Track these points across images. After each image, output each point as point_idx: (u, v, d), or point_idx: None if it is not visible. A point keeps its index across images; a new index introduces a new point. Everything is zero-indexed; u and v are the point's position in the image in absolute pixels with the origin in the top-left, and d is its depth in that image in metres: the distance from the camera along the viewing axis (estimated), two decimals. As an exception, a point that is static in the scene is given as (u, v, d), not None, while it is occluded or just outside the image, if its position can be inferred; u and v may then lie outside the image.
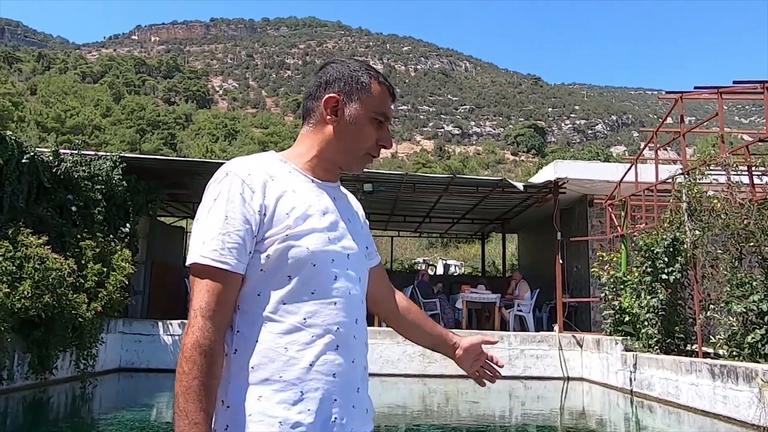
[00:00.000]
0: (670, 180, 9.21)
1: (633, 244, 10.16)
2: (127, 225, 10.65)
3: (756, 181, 8.17)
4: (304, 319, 1.19)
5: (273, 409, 1.14)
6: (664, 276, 8.75)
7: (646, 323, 8.95)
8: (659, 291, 8.79)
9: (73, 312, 8.17)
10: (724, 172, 8.32)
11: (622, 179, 11.17)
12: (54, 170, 9.37)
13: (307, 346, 1.19)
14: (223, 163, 1.29)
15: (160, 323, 10.51)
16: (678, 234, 8.72)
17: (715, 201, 8.14)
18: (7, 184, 8.40)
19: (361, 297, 1.31)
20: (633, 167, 10.90)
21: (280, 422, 1.14)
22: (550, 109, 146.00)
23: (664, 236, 8.89)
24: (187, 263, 1.19)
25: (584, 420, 7.90)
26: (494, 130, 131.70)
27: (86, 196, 9.77)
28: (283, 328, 1.18)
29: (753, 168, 8.11)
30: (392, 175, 13.36)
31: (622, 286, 9.95)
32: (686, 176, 8.62)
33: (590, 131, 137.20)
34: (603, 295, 10.46)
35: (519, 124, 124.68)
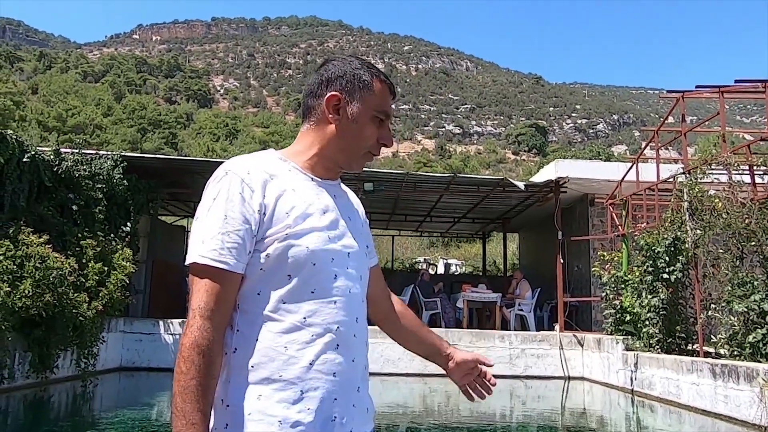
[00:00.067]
0: (671, 179, 9.20)
1: (634, 244, 10.14)
2: (128, 224, 10.65)
3: (757, 180, 8.17)
4: (304, 318, 1.19)
5: (273, 408, 1.14)
6: (665, 275, 8.74)
7: (647, 322, 8.94)
8: (660, 290, 8.79)
9: (73, 311, 8.17)
10: (725, 172, 8.31)
11: (623, 178, 11.16)
12: (55, 169, 9.37)
13: (307, 345, 1.18)
14: (223, 162, 1.29)
15: (161, 322, 10.51)
16: (679, 233, 8.71)
17: (717, 200, 8.13)
18: (8, 183, 8.40)
19: (362, 296, 1.31)
20: (634, 166, 10.89)
21: (280, 421, 1.13)
22: (551, 109, 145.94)
23: (666, 235, 8.87)
24: (187, 262, 1.19)
25: (585, 419, 7.90)
26: (495, 129, 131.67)
27: (87, 195, 9.78)
28: (283, 327, 1.18)
29: (754, 167, 8.10)
30: (393, 175, 13.36)
31: (623, 286, 9.94)
32: (687, 175, 8.61)
33: (591, 131, 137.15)
34: (604, 294, 10.45)
35: (520, 123, 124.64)
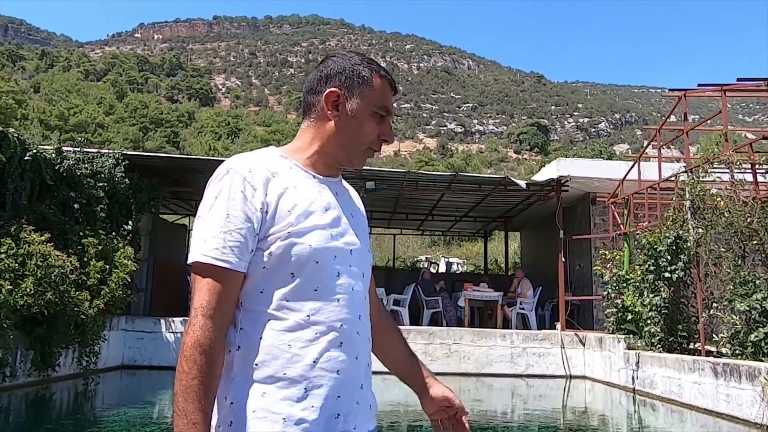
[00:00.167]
0: (673, 178, 9.18)
1: (636, 242, 10.13)
2: (130, 222, 10.66)
3: (759, 179, 8.15)
4: (308, 316, 1.19)
5: (277, 405, 1.14)
6: (666, 274, 8.72)
7: (648, 321, 8.93)
8: (662, 289, 8.77)
9: (75, 309, 8.18)
10: (727, 170, 8.30)
11: (625, 177, 11.15)
12: (57, 168, 9.38)
13: (310, 343, 1.18)
14: (225, 161, 1.28)
15: (162, 320, 10.52)
16: (681, 232, 8.70)
17: (719, 199, 8.11)
18: (9, 181, 8.41)
19: (364, 293, 1.31)
20: (636, 165, 10.87)
21: (284, 419, 1.13)
22: (553, 107, 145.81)
23: (667, 234, 8.86)
24: (189, 261, 1.18)
25: (587, 418, 7.89)
26: (497, 128, 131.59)
27: (89, 193, 9.78)
28: (287, 325, 1.18)
29: (756, 166, 8.08)
30: (395, 173, 13.35)
31: (624, 285, 9.93)
32: (689, 174, 8.60)
33: (593, 129, 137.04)
34: (605, 293, 10.44)
35: (522, 122, 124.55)
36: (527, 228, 19.25)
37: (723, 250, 8.04)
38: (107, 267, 9.21)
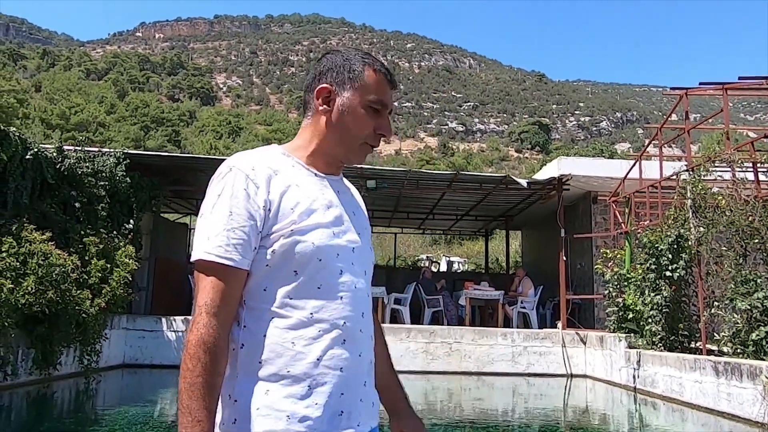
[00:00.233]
0: (674, 177, 9.17)
1: (637, 241, 10.12)
2: (131, 221, 10.65)
3: (761, 177, 8.14)
4: (311, 314, 1.19)
5: (281, 403, 1.14)
6: (668, 273, 8.71)
7: (649, 320, 8.92)
8: (663, 288, 8.77)
9: (76, 308, 8.18)
10: (729, 169, 8.29)
11: (626, 176, 11.14)
12: (58, 167, 9.38)
13: (314, 340, 1.18)
14: (226, 159, 1.28)
15: (163, 319, 10.52)
16: (682, 231, 8.69)
17: (720, 198, 8.10)
18: (11, 180, 8.41)
19: (367, 290, 1.31)
20: (637, 164, 10.86)
21: (288, 416, 1.14)
22: (554, 106, 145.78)
23: (669, 233, 8.85)
24: (192, 259, 1.18)
25: (588, 417, 7.89)
26: (498, 127, 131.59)
27: (90, 192, 9.78)
28: (290, 323, 1.18)
29: (758, 164, 8.07)
30: (396, 172, 13.34)
31: (625, 283, 9.92)
32: (691, 173, 8.59)
33: (595, 128, 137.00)
34: (607, 292, 10.44)
35: (523, 121, 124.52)
36: (528, 227, 19.24)
37: (724, 248, 8.03)
38: (108, 266, 9.22)
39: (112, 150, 10.98)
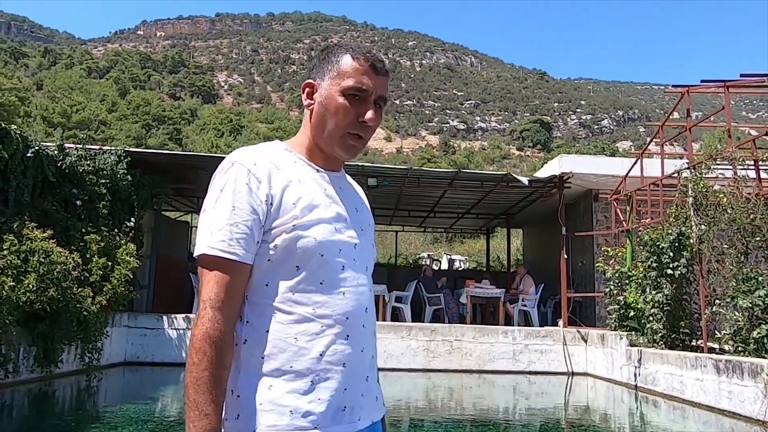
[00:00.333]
0: (676, 174, 9.16)
1: (638, 239, 10.12)
2: (132, 219, 10.66)
3: (763, 175, 8.12)
4: (314, 309, 1.19)
5: (284, 398, 1.15)
6: (669, 271, 8.71)
7: (651, 318, 8.92)
8: (664, 286, 8.76)
9: (78, 306, 8.19)
10: (730, 167, 8.28)
11: (627, 174, 11.13)
12: (59, 164, 9.38)
13: (316, 336, 1.19)
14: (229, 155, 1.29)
15: (164, 317, 10.53)
16: (684, 229, 8.68)
17: (722, 195, 8.10)
18: (12, 178, 8.41)
19: (369, 286, 1.31)
20: (638, 162, 10.85)
21: (291, 411, 1.14)
22: (555, 104, 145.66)
23: (670, 231, 8.84)
24: (195, 254, 1.19)
25: (589, 415, 7.89)
26: (500, 125, 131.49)
27: (91, 190, 9.79)
28: (293, 318, 1.18)
29: (759, 162, 8.06)
30: (397, 170, 13.33)
31: (627, 281, 9.92)
32: (692, 171, 8.58)
33: (596, 126, 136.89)
34: (608, 290, 10.43)
35: (524, 119, 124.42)
36: (529, 225, 19.23)
37: (726, 246, 8.03)
38: (109, 264, 9.23)
39: (113, 148, 10.98)
